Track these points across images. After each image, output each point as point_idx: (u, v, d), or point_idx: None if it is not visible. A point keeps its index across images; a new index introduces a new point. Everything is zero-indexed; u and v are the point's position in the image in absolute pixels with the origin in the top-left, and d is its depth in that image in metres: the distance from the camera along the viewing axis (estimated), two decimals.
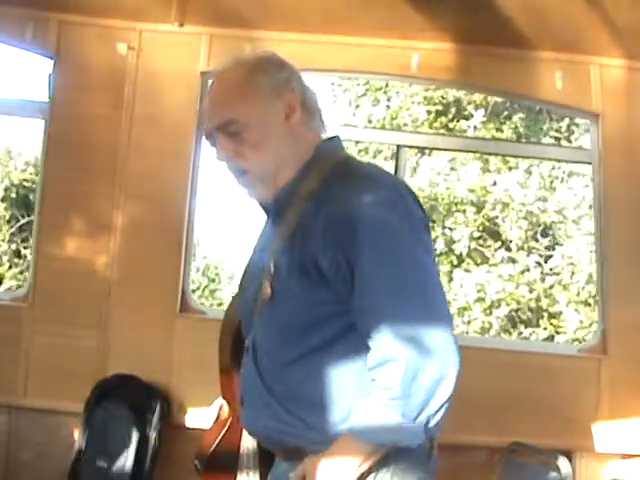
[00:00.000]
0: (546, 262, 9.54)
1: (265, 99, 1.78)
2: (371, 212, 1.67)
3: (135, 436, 3.51)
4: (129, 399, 3.54)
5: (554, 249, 9.52)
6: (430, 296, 1.67)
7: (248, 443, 1.94)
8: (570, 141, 9.86)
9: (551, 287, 9.42)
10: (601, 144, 3.63)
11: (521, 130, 9.77)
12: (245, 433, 1.96)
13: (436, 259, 1.78)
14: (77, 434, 3.54)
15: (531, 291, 9.36)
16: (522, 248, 9.43)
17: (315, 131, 1.84)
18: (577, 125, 9.83)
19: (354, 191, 1.70)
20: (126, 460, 3.48)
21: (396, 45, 3.63)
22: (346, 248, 1.66)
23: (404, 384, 1.59)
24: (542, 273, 9.51)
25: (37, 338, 3.62)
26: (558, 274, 9.42)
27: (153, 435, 3.53)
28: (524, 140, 9.30)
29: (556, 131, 9.92)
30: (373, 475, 1.67)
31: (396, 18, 3.43)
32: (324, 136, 1.86)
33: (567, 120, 9.75)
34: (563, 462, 3.28)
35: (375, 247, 1.65)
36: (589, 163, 3.72)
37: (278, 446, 1.80)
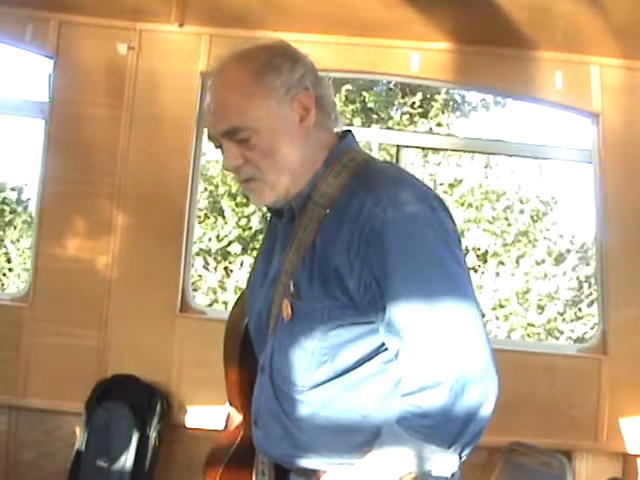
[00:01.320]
0: None
1: (276, 102, 1.61)
2: (402, 225, 1.54)
3: (135, 436, 3.51)
4: (129, 399, 3.54)
5: None
6: (467, 316, 1.54)
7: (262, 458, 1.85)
8: (426, 117, 9.57)
9: None
10: (601, 144, 3.63)
11: (370, 105, 9.37)
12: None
13: (469, 271, 1.65)
14: (77, 434, 3.54)
15: None
16: None
17: (330, 130, 1.69)
18: (435, 100, 9.48)
19: (381, 201, 1.55)
20: (126, 460, 3.48)
21: (396, 45, 3.63)
22: (374, 266, 1.53)
23: (443, 413, 1.50)
24: None
25: (37, 338, 3.62)
26: None
27: (153, 435, 3.53)
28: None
29: (410, 106, 9.56)
30: None
31: (396, 18, 3.43)
32: (339, 133, 1.71)
33: (420, 95, 9.39)
34: (563, 462, 3.28)
35: (407, 264, 1.53)
36: (589, 163, 3.72)
37: (295, 468, 1.69)
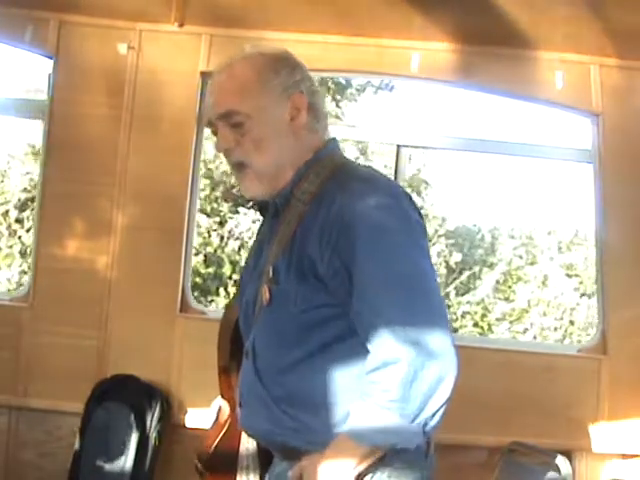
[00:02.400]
0: None
1: (273, 97, 1.77)
2: (368, 216, 1.68)
3: (135, 436, 3.51)
4: (129, 399, 3.54)
5: None
6: (428, 299, 1.67)
7: (248, 444, 1.94)
8: None
9: None
10: (601, 144, 3.63)
11: None
12: (243, 436, 1.96)
13: (432, 260, 1.79)
14: (77, 434, 3.54)
15: None
16: None
17: (318, 134, 1.84)
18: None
19: (351, 195, 1.70)
20: (126, 460, 3.49)
21: (396, 45, 3.63)
22: (343, 252, 1.67)
23: (403, 386, 1.59)
24: None
25: (37, 338, 3.62)
26: None
27: (153, 435, 3.53)
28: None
29: None
30: (370, 476, 1.67)
31: (396, 18, 3.43)
32: (325, 139, 1.86)
33: None
34: (563, 462, 3.29)
35: (372, 251, 1.66)
36: (589, 163, 3.73)
37: (276, 447, 1.81)
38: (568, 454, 3.41)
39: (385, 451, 1.65)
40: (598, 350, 3.64)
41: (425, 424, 1.62)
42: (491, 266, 9.69)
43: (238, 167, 1.80)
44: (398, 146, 3.89)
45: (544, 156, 4.05)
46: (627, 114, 3.64)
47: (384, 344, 1.63)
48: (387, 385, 1.61)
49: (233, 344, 1.97)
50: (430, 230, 8.88)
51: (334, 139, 1.88)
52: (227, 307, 2.09)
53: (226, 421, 2.03)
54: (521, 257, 9.52)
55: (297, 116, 1.79)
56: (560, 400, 3.56)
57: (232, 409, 2.02)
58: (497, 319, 9.03)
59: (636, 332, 3.58)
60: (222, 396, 2.07)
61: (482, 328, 8.82)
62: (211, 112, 1.81)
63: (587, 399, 3.58)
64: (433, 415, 1.62)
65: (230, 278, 8.52)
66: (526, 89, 3.69)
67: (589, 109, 3.65)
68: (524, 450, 3.43)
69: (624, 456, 3.56)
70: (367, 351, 1.67)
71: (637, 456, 3.56)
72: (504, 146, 4.06)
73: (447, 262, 9.10)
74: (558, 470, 3.27)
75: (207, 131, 3.73)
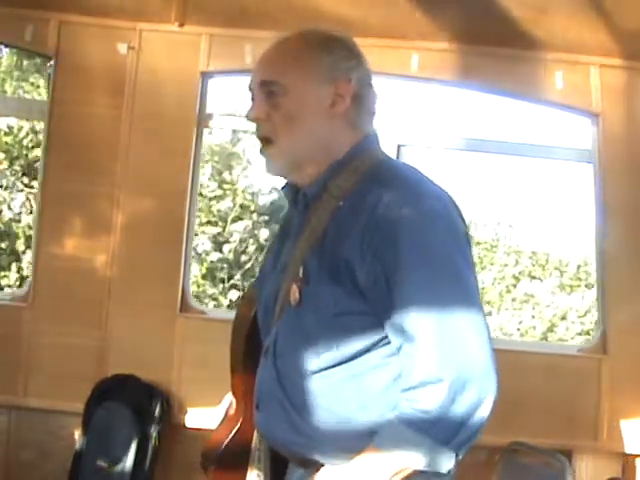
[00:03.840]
0: None
1: (318, 77, 1.66)
2: (415, 223, 1.57)
3: (135, 436, 3.51)
4: (129, 399, 3.54)
5: None
6: (472, 316, 1.57)
7: (260, 443, 1.89)
8: None
9: None
10: (601, 144, 3.63)
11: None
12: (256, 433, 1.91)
13: (476, 273, 1.68)
14: (77, 434, 3.54)
15: None
16: None
17: (357, 130, 1.71)
18: None
19: (397, 199, 1.58)
20: (126, 460, 3.48)
21: (396, 45, 3.63)
22: (386, 259, 1.56)
23: (442, 409, 1.51)
24: None
25: (37, 338, 3.62)
26: None
27: (153, 435, 3.53)
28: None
29: None
30: None
31: (396, 18, 3.43)
32: (366, 132, 1.74)
33: None
34: (563, 462, 3.29)
35: (416, 262, 1.55)
36: (589, 163, 3.73)
37: (293, 454, 1.71)
38: (568, 454, 3.41)
39: (415, 472, 1.56)
40: (598, 350, 3.64)
41: (459, 447, 1.55)
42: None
43: (265, 142, 1.70)
44: (398, 146, 3.89)
45: (544, 156, 4.05)
46: (627, 114, 3.64)
47: (424, 363, 1.53)
48: (424, 405, 1.52)
49: (248, 342, 1.91)
50: None
51: (374, 134, 1.75)
52: (241, 303, 2.04)
53: (237, 418, 1.99)
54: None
55: (338, 103, 1.67)
56: (560, 400, 3.56)
57: (241, 408, 1.97)
58: None
59: (636, 332, 3.58)
60: (233, 393, 2.03)
61: None
62: (252, 78, 1.71)
63: (587, 399, 3.58)
64: (468, 440, 1.55)
65: (24, 253, 8.37)
66: (526, 89, 3.69)
67: (589, 109, 3.65)
68: (524, 450, 3.43)
69: (624, 456, 3.56)
70: (396, 365, 1.60)
71: (637, 456, 3.56)
72: (504, 146, 4.05)
73: None
74: (558, 470, 3.27)
75: (206, 130, 3.75)
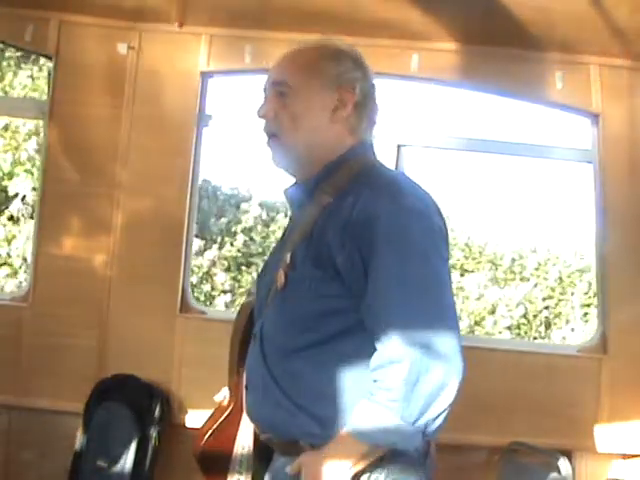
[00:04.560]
0: None
1: (324, 83, 1.82)
2: (393, 216, 1.68)
3: (135, 436, 3.51)
4: (129, 399, 3.54)
5: None
6: (440, 302, 1.68)
7: (244, 442, 1.95)
8: None
9: None
10: (601, 144, 3.63)
11: None
12: (240, 431, 1.97)
13: (450, 269, 1.82)
14: (77, 434, 3.54)
15: None
16: None
17: (356, 136, 1.86)
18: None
19: (379, 193, 1.72)
20: (126, 460, 3.49)
21: (396, 45, 3.63)
22: (363, 247, 1.68)
23: (406, 387, 1.60)
24: None
25: (37, 338, 3.62)
26: None
27: (153, 435, 3.53)
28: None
29: None
30: (367, 475, 1.67)
31: (396, 18, 3.43)
32: (363, 139, 1.88)
33: None
34: (563, 462, 3.29)
35: (392, 250, 1.67)
36: (589, 163, 3.73)
37: (277, 436, 1.80)
38: (568, 454, 3.41)
39: (385, 451, 1.65)
40: (598, 350, 3.64)
41: (426, 427, 1.62)
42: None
43: (271, 137, 1.85)
44: (398, 146, 3.89)
45: (544, 156, 4.05)
46: (627, 114, 3.64)
47: (390, 342, 1.63)
48: (389, 384, 1.61)
49: (243, 346, 1.98)
50: None
51: (370, 142, 1.90)
52: (242, 304, 2.12)
53: (227, 406, 2.05)
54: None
55: (340, 109, 1.82)
56: (560, 400, 3.56)
57: (235, 397, 2.03)
58: None
59: (636, 332, 3.58)
60: (229, 387, 2.09)
61: None
62: (267, 78, 1.88)
63: (587, 399, 3.58)
64: (435, 419, 1.62)
65: None
66: (526, 89, 3.69)
67: (589, 109, 3.65)
68: (524, 450, 3.43)
69: (624, 456, 3.56)
70: (374, 348, 1.68)
71: (637, 456, 3.56)
72: (504, 146, 4.05)
73: None
74: (558, 470, 3.27)
75: (206, 130, 3.76)
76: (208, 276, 9.07)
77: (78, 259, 3.66)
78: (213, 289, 9.06)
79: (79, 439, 3.53)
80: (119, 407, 3.54)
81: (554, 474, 3.27)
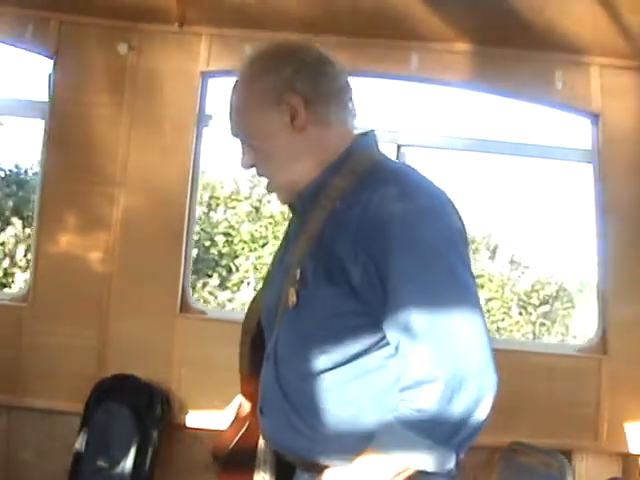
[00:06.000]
0: None
1: (259, 107, 1.67)
2: (406, 220, 1.55)
3: (135, 436, 3.51)
4: (129, 399, 3.54)
5: None
6: (468, 312, 1.54)
7: (266, 445, 1.89)
8: None
9: None
10: (601, 144, 3.63)
11: None
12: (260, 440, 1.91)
13: (473, 272, 1.65)
14: (77, 434, 3.53)
15: None
16: None
17: (339, 127, 1.70)
18: None
19: (389, 197, 1.57)
20: (126, 460, 3.48)
21: (396, 45, 3.63)
22: (378, 258, 1.54)
23: (439, 408, 1.50)
24: None
25: (37, 338, 3.62)
26: None
27: (153, 435, 3.52)
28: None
29: None
30: None
31: (396, 18, 3.43)
32: (355, 132, 1.72)
33: None
34: (563, 462, 3.28)
35: (409, 258, 1.53)
36: (589, 163, 3.73)
37: (297, 459, 1.71)
38: (568, 454, 3.41)
39: (414, 473, 1.55)
40: (598, 350, 3.64)
41: (459, 446, 1.54)
42: None
43: (265, 178, 1.75)
44: (398, 146, 3.89)
45: (544, 156, 4.05)
46: (627, 114, 3.64)
47: (419, 360, 1.52)
48: (421, 405, 1.51)
49: (254, 345, 1.91)
50: None
51: (371, 132, 1.75)
52: (250, 306, 2.04)
53: (245, 418, 2.00)
54: None
55: (296, 116, 1.66)
56: (560, 400, 3.56)
57: (253, 408, 1.98)
58: None
59: (636, 332, 3.58)
60: (243, 394, 2.03)
61: None
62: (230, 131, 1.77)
63: (587, 399, 3.58)
64: (467, 439, 1.53)
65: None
66: (526, 89, 3.69)
67: (589, 109, 3.65)
68: (524, 450, 3.43)
69: (624, 456, 3.56)
70: (396, 366, 1.58)
71: (637, 456, 3.56)
72: (504, 146, 4.05)
73: None
74: (558, 470, 3.27)
75: (206, 130, 3.76)
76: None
77: (78, 259, 3.66)
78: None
79: (79, 439, 3.53)
80: (119, 407, 3.54)
81: (554, 474, 3.27)
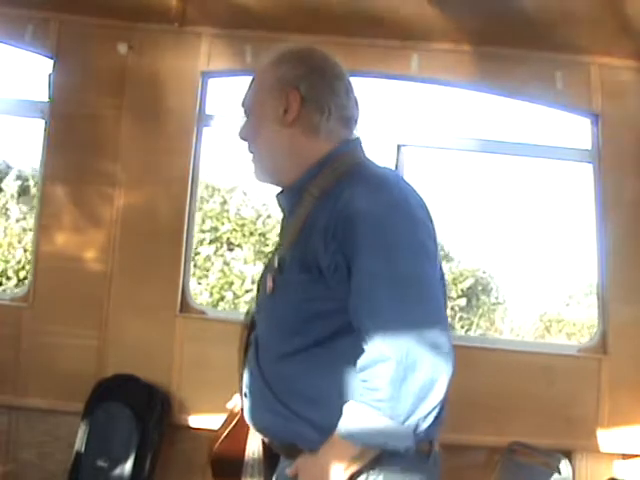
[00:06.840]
0: None
1: (268, 89, 1.84)
2: (372, 213, 1.66)
3: (135, 436, 3.51)
4: (129, 399, 3.54)
5: None
6: (425, 299, 1.65)
7: (254, 447, 1.94)
8: None
9: None
10: (601, 144, 3.63)
11: None
12: (250, 435, 1.95)
13: (439, 263, 1.77)
14: (77, 434, 3.53)
15: None
16: None
17: (328, 135, 1.82)
18: None
19: (358, 192, 1.69)
20: (126, 460, 3.48)
21: (396, 45, 3.63)
22: (345, 247, 1.66)
23: (393, 386, 1.57)
24: None
25: (37, 338, 3.62)
26: None
27: (153, 435, 3.52)
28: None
29: None
30: (364, 477, 1.65)
31: (396, 18, 3.43)
32: (342, 138, 1.84)
33: None
34: (563, 462, 3.29)
35: (373, 248, 1.64)
36: (589, 163, 3.73)
37: (276, 441, 1.81)
38: (568, 454, 3.41)
39: (380, 452, 1.63)
40: (598, 350, 3.64)
41: (417, 425, 1.59)
42: None
43: (249, 153, 1.89)
44: (398, 146, 3.89)
45: (544, 156, 4.04)
46: (627, 114, 3.64)
47: (375, 342, 1.61)
48: (376, 384, 1.59)
49: (246, 351, 1.96)
50: None
51: (356, 139, 1.87)
52: (246, 313, 2.10)
53: (238, 412, 2.03)
54: None
55: (288, 110, 1.81)
56: (560, 400, 3.56)
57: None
58: None
59: (636, 332, 3.58)
60: (239, 388, 2.08)
61: None
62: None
63: (587, 399, 3.58)
64: (425, 417, 1.59)
65: None
66: (526, 89, 3.69)
67: (589, 109, 3.65)
68: (524, 450, 3.43)
69: (624, 456, 3.56)
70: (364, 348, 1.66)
71: (637, 456, 3.56)
72: (504, 146, 4.05)
73: None
74: (558, 470, 3.27)
75: (206, 130, 3.76)
76: None
77: (78, 259, 3.66)
78: None
79: (79, 439, 3.53)
80: (119, 407, 3.54)
81: (554, 474, 3.27)
